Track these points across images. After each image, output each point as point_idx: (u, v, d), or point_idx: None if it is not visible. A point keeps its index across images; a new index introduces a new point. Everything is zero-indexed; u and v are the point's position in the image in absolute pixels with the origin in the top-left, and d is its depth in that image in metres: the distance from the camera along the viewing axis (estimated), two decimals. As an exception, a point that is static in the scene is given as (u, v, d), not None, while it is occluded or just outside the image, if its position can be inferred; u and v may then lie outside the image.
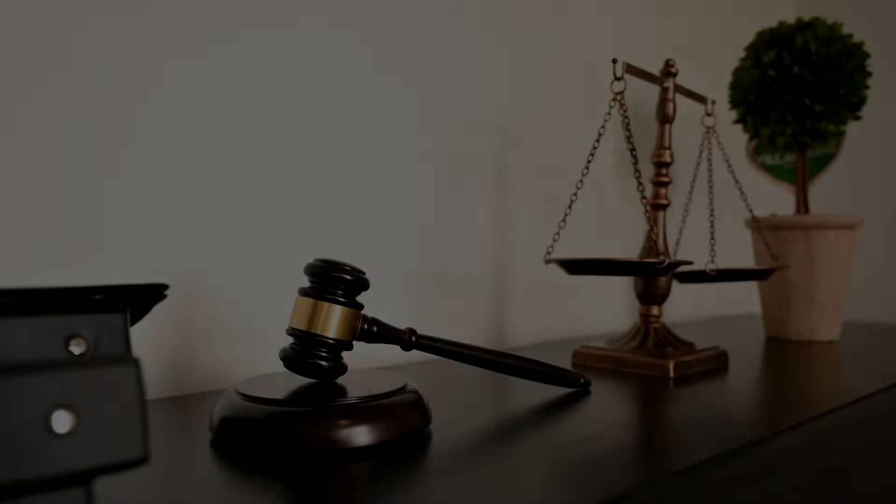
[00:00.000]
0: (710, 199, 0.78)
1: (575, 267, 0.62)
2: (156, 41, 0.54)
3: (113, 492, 0.31)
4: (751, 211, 0.78)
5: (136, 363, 0.19)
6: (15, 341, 0.25)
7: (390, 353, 0.68)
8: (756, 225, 0.88)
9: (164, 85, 0.54)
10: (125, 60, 0.52)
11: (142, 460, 0.19)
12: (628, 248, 1.00)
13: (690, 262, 0.64)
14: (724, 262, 1.19)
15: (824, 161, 0.99)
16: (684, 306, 1.14)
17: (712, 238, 0.77)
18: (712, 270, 0.71)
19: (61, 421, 0.18)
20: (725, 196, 1.18)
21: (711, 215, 0.78)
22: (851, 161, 1.29)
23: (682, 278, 0.75)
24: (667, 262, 0.57)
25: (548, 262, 0.64)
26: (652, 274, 0.59)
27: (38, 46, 0.48)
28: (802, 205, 0.92)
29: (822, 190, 1.33)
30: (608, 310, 0.99)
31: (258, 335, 0.60)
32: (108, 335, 0.27)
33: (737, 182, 0.77)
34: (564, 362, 0.68)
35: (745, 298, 1.29)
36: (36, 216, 0.48)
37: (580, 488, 0.32)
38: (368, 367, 0.66)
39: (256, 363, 0.60)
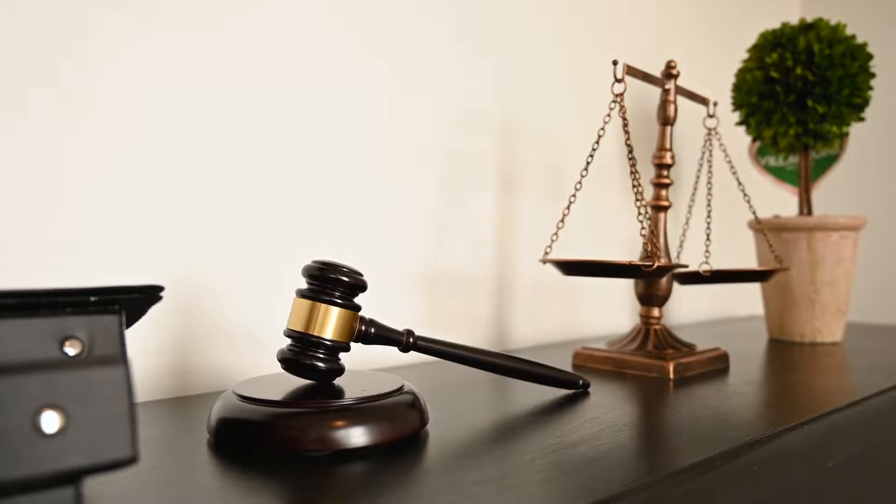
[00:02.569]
0: (709, 200, 0.79)
1: (569, 268, 0.62)
2: (154, 41, 0.54)
3: (110, 491, 0.31)
4: (754, 213, 0.78)
5: (124, 364, 0.20)
6: (10, 342, 0.25)
7: (392, 354, 0.68)
8: (758, 227, 0.88)
9: (163, 86, 0.55)
10: (123, 61, 0.52)
11: (130, 460, 0.19)
12: (634, 249, 1.00)
13: (685, 266, 0.64)
14: (728, 264, 1.18)
15: (828, 162, 0.98)
16: (688, 308, 1.14)
17: (708, 239, 0.77)
18: (706, 272, 0.71)
19: (50, 421, 0.18)
20: (729, 197, 1.17)
21: (708, 217, 0.78)
22: (855, 162, 1.28)
23: (679, 280, 0.75)
24: (656, 265, 0.57)
25: (544, 262, 0.64)
26: (642, 276, 0.59)
27: (37, 47, 0.48)
28: (806, 206, 0.92)
29: (826, 191, 1.33)
30: (611, 311, 0.99)
31: (258, 337, 0.60)
32: (102, 336, 0.28)
33: (739, 184, 0.76)
34: (565, 364, 0.68)
35: (750, 300, 1.29)
36: (35, 219, 0.49)
37: (573, 489, 0.32)
38: (369, 368, 0.66)
39: (256, 364, 0.60)
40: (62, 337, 0.26)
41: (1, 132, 0.47)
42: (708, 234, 0.78)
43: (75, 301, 0.27)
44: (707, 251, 0.79)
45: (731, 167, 0.76)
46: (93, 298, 0.28)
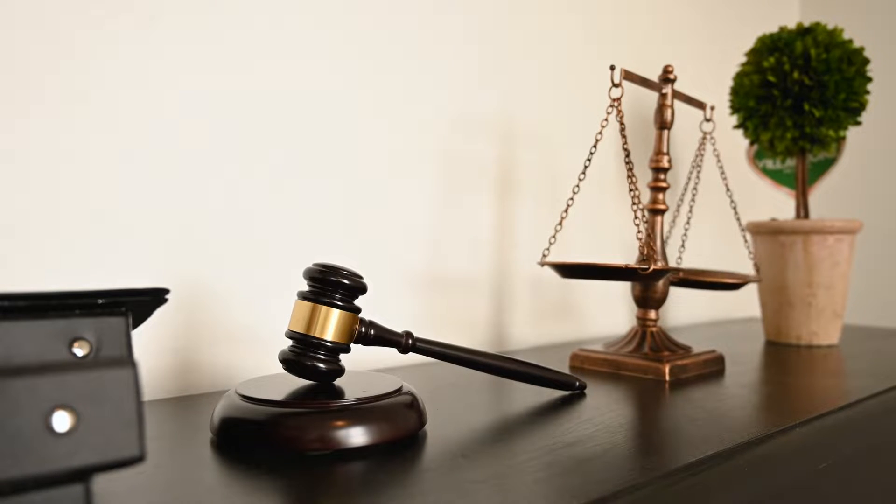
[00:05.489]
0: (691, 206, 0.80)
1: (567, 270, 0.63)
2: (152, 42, 0.55)
3: (114, 489, 0.32)
4: (738, 219, 0.79)
5: (133, 366, 0.20)
6: (21, 343, 0.26)
7: (391, 355, 0.69)
8: (742, 232, 0.89)
9: (164, 87, 0.55)
10: (123, 62, 0.53)
11: (137, 459, 0.20)
12: (631, 251, 1.01)
13: (678, 270, 0.64)
14: (728, 268, 1.19)
15: (825, 165, 0.99)
16: (686, 310, 1.15)
17: (682, 246, 0.78)
18: (674, 277, 0.71)
19: (61, 421, 0.19)
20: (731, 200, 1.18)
21: (687, 223, 0.79)
22: (852, 166, 1.29)
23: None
24: (651, 268, 0.58)
25: (542, 264, 0.65)
26: (638, 279, 0.60)
27: (38, 48, 0.49)
28: (802, 209, 0.93)
29: (823, 194, 1.33)
30: (610, 313, 0.99)
31: (259, 338, 0.61)
32: (110, 338, 0.28)
33: (728, 190, 0.77)
34: (563, 366, 0.69)
35: (748, 302, 1.29)
36: (37, 219, 0.49)
37: (568, 489, 0.33)
38: (368, 369, 0.67)
39: (257, 365, 0.61)
40: (71, 338, 0.27)
41: (1, 133, 0.48)
42: (684, 241, 0.79)
43: (83, 303, 0.28)
44: (680, 257, 0.80)
45: (722, 172, 0.77)
46: (100, 301, 0.28)
